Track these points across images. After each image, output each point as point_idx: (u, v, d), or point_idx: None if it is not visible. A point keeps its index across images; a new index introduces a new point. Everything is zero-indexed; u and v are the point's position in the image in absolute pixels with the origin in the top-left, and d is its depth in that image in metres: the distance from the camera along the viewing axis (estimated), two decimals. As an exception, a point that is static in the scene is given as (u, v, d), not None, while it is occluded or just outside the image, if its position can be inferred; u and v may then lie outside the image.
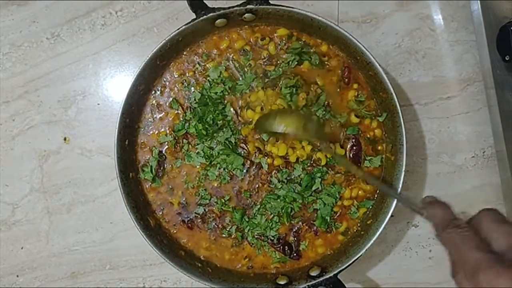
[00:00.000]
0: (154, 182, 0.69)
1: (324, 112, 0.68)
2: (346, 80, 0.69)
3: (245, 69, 0.68)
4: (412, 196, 0.65)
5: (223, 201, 0.68)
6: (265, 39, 0.68)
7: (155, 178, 0.69)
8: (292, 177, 0.68)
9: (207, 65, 0.68)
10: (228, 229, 0.69)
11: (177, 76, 0.69)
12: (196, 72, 0.69)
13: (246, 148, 0.68)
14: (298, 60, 0.68)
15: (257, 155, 0.68)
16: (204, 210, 0.69)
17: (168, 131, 0.69)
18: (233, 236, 0.69)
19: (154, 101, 0.69)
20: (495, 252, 0.38)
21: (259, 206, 0.68)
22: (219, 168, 0.68)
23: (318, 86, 0.68)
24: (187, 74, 0.69)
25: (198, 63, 0.69)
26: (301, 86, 0.68)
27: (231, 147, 0.68)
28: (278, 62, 0.68)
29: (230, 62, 0.69)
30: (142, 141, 0.69)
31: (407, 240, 0.75)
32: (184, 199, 0.69)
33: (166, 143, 0.69)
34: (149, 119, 0.69)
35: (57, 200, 0.75)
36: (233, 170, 0.68)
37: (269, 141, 0.68)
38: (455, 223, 0.41)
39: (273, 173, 0.68)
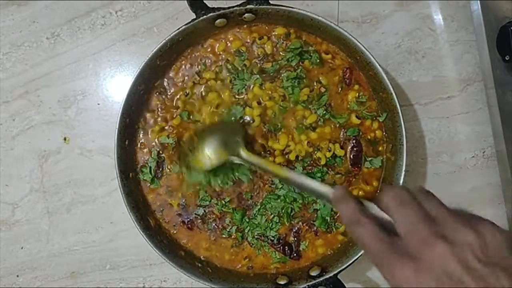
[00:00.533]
0: (153, 183, 0.69)
1: (324, 112, 0.68)
2: (347, 81, 0.69)
3: (240, 69, 0.68)
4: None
5: (224, 202, 0.68)
6: (262, 38, 0.68)
7: (154, 179, 0.68)
8: (293, 175, 0.68)
9: (203, 75, 0.68)
10: (228, 230, 0.68)
11: (177, 81, 0.69)
12: (195, 81, 0.68)
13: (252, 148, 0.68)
14: (299, 60, 0.68)
15: (262, 154, 0.68)
16: (204, 211, 0.69)
17: (170, 133, 0.69)
18: (233, 236, 0.68)
19: (154, 101, 0.69)
20: (397, 237, 0.38)
21: (259, 206, 0.68)
22: (224, 177, 0.68)
23: (322, 85, 0.68)
24: (186, 80, 0.69)
25: (196, 73, 0.68)
26: (304, 78, 0.68)
27: None
28: (276, 58, 0.68)
29: (225, 66, 0.68)
30: (141, 141, 0.69)
31: (407, 240, 0.75)
32: (183, 201, 0.69)
33: (166, 144, 0.69)
34: (149, 119, 0.69)
35: (57, 200, 0.75)
36: (240, 176, 0.67)
37: (270, 136, 0.68)
38: (358, 220, 0.40)
39: None
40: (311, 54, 0.68)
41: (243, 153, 0.62)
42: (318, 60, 0.68)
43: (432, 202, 0.39)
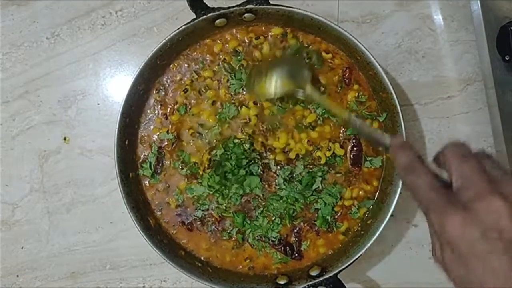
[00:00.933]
0: (153, 179, 0.68)
1: (323, 111, 0.68)
2: (347, 80, 0.69)
3: (237, 69, 0.68)
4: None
5: (224, 208, 0.68)
6: (259, 38, 0.68)
7: (153, 174, 0.68)
8: (294, 174, 0.68)
9: (202, 73, 0.68)
10: (228, 232, 0.68)
11: (175, 78, 0.69)
12: (193, 79, 0.69)
13: (256, 150, 0.67)
14: None
15: (267, 154, 0.68)
16: (203, 214, 0.68)
17: (169, 129, 0.68)
18: (233, 238, 0.68)
19: (154, 101, 0.69)
20: (452, 190, 0.38)
21: (262, 208, 0.68)
22: (234, 193, 0.67)
23: (321, 84, 0.68)
24: (185, 78, 0.69)
25: (195, 71, 0.69)
26: None
27: (243, 166, 0.66)
28: None
29: (222, 65, 0.68)
30: (142, 136, 0.69)
31: (407, 240, 0.75)
32: (181, 201, 0.68)
33: (166, 140, 0.69)
34: (149, 118, 0.69)
35: (57, 200, 0.75)
36: (253, 190, 0.67)
37: (269, 135, 0.68)
38: (413, 169, 0.40)
39: (277, 171, 0.68)
40: (309, 54, 0.68)
41: (309, 87, 0.63)
42: (316, 60, 0.68)
43: (492, 161, 0.39)
